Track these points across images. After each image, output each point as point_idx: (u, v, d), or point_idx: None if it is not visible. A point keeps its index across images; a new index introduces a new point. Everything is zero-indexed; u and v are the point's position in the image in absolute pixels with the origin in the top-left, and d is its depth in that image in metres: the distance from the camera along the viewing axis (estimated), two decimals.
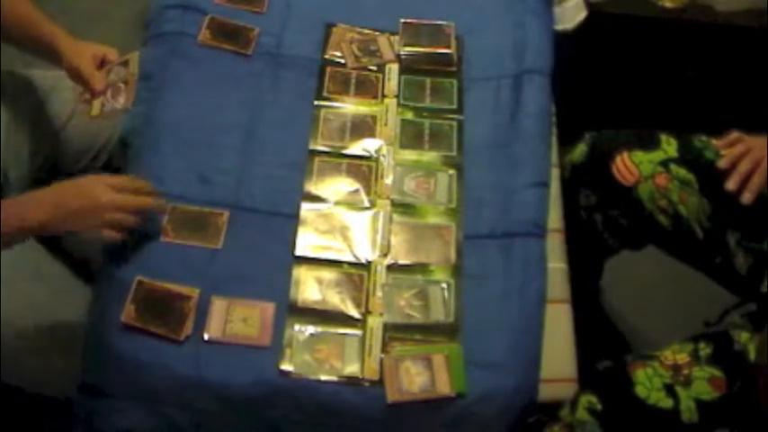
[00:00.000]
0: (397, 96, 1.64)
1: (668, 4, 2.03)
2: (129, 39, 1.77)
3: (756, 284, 1.42)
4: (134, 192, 1.36)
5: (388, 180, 1.53)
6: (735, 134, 1.48)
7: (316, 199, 1.50)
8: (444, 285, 1.42)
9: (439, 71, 1.68)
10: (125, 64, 1.49)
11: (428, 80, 1.67)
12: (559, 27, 1.83)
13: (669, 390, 1.30)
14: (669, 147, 1.52)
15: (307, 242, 1.45)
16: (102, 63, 1.49)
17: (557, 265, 1.49)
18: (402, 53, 1.69)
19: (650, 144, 1.53)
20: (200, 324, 1.34)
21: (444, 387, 1.31)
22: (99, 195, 1.31)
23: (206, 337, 1.33)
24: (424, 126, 1.60)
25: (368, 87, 1.65)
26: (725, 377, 1.30)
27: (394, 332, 1.37)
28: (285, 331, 1.35)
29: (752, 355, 1.30)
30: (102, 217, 1.32)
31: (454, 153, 1.57)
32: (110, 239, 1.34)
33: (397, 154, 1.56)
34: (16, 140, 1.54)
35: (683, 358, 1.32)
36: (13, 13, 1.46)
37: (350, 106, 1.62)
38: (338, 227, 1.47)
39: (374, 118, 1.60)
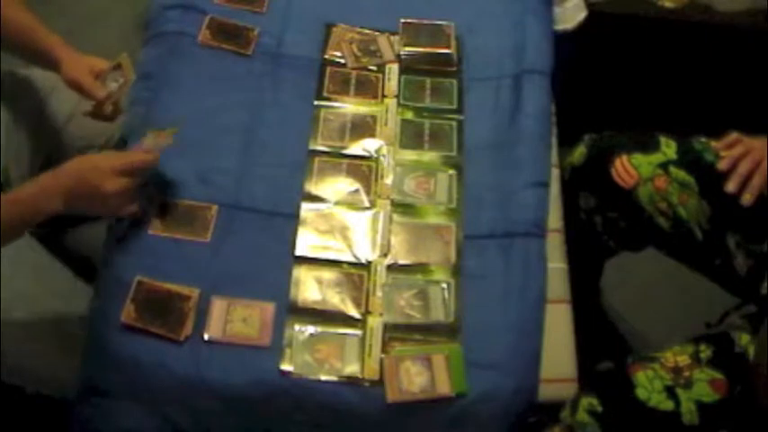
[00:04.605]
0: (397, 96, 1.63)
1: (668, 4, 2.03)
2: (129, 39, 1.76)
3: (756, 286, 1.42)
4: (140, 171, 1.36)
5: (388, 180, 1.53)
6: (734, 135, 1.48)
7: (316, 199, 1.50)
8: (444, 285, 1.42)
9: (439, 71, 1.68)
10: (118, 67, 1.50)
11: (428, 80, 1.66)
12: (559, 27, 1.83)
13: (670, 392, 1.30)
14: (668, 149, 1.52)
15: (307, 242, 1.45)
16: (97, 75, 1.49)
17: (557, 265, 1.49)
18: (402, 53, 1.69)
19: (649, 146, 1.52)
20: (201, 324, 1.34)
21: (444, 387, 1.31)
22: (103, 183, 1.30)
23: (206, 337, 1.33)
24: (424, 126, 1.60)
25: (368, 87, 1.64)
26: (726, 379, 1.30)
27: (394, 332, 1.37)
28: (285, 331, 1.35)
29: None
30: (108, 205, 1.33)
31: (454, 153, 1.57)
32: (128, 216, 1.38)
33: (397, 154, 1.56)
34: (17, 140, 1.54)
35: (683, 360, 1.32)
36: (13, 21, 1.46)
37: (350, 106, 1.62)
38: (338, 227, 1.47)
39: (374, 118, 1.60)
